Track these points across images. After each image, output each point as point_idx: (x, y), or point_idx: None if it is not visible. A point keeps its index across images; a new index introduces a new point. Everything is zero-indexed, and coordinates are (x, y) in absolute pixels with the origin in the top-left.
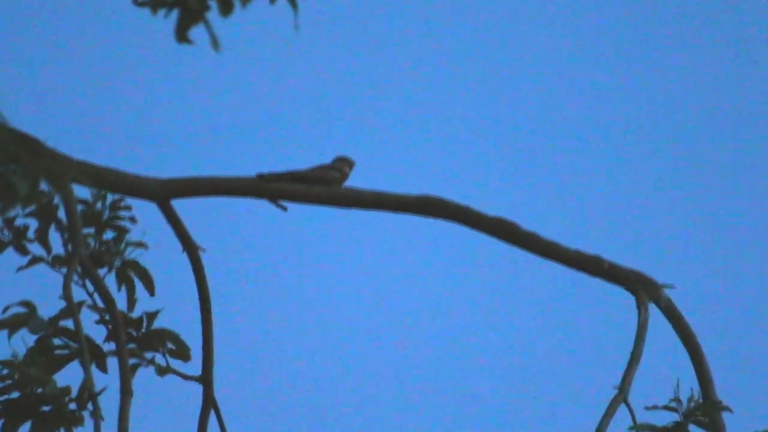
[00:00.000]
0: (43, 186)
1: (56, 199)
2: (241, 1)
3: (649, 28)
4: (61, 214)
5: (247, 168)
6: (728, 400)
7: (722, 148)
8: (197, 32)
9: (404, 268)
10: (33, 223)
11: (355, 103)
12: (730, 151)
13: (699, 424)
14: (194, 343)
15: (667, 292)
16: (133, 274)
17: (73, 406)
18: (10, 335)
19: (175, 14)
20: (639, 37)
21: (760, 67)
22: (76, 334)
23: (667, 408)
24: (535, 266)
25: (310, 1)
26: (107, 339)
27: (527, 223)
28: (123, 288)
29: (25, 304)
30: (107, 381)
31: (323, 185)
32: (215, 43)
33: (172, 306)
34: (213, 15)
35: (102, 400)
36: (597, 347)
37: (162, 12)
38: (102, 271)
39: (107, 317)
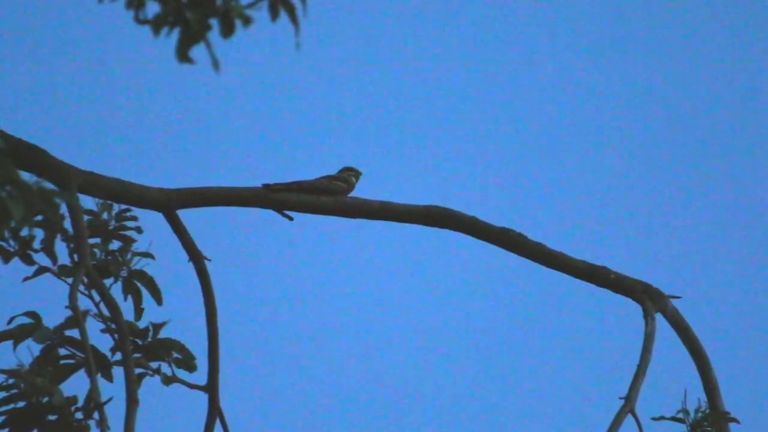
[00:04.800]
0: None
1: (62, 210)
2: (242, 22)
3: (663, 38)
4: (67, 224)
5: (253, 178)
6: (735, 410)
7: (729, 158)
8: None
9: (411, 279)
10: (39, 234)
11: (362, 114)
12: (737, 162)
13: None
14: (200, 352)
15: (673, 302)
16: (140, 284)
17: (79, 415)
18: (15, 345)
19: (176, 33)
20: (654, 47)
21: None
22: (82, 344)
23: (674, 419)
24: (541, 277)
25: (318, 11)
26: (114, 349)
27: (534, 233)
28: (129, 298)
29: (31, 314)
30: (113, 390)
31: (330, 195)
32: (215, 64)
33: (178, 315)
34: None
35: (108, 409)
36: (603, 358)
37: (164, 31)
38: (108, 281)
39: (113, 327)
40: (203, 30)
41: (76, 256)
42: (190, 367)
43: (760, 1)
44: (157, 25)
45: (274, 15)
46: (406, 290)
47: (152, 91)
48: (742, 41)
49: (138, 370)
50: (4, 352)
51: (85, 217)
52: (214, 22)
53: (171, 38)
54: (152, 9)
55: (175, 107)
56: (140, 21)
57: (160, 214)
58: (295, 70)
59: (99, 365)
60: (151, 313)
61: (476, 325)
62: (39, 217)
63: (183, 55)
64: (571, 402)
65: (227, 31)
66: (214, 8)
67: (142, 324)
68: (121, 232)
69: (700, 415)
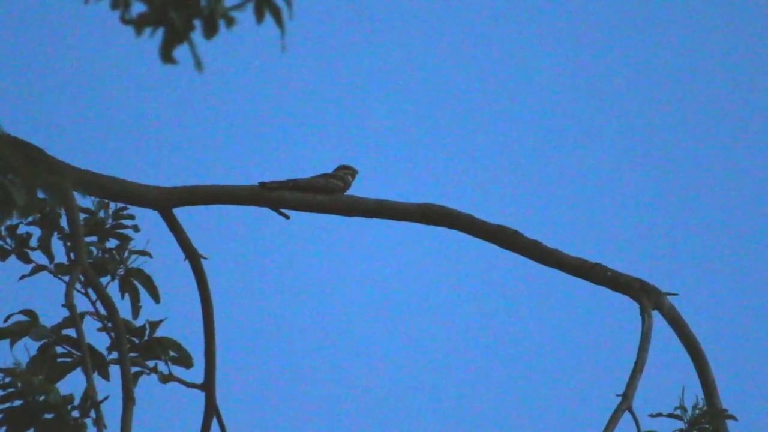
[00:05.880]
0: (43, 195)
1: (58, 208)
2: (226, 23)
3: (661, 35)
4: (64, 222)
5: (249, 176)
6: (732, 407)
7: (726, 155)
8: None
9: (407, 277)
10: (36, 232)
11: (358, 112)
12: (734, 159)
13: None
14: (197, 350)
15: (670, 299)
16: (137, 282)
17: (75, 413)
18: (12, 344)
19: (160, 33)
20: (652, 45)
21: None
22: (78, 343)
23: (671, 416)
24: (537, 274)
25: (314, 6)
26: (110, 347)
27: (529, 231)
28: (126, 296)
29: (27, 312)
30: (110, 389)
31: (326, 193)
32: (198, 65)
33: (175, 313)
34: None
35: (105, 407)
36: (600, 355)
37: (148, 31)
38: (105, 279)
39: (110, 325)
40: (187, 30)
41: (72, 255)
42: (187, 364)
43: (761, 1)
44: (139, 25)
45: (259, 18)
46: (402, 288)
47: (148, 90)
48: (741, 39)
49: (135, 369)
50: (0, 351)
51: (82, 216)
52: (197, 23)
53: (157, 38)
54: (139, 10)
55: (172, 106)
56: (126, 21)
57: (157, 213)
58: (292, 68)
59: (96, 364)
60: (148, 311)
61: (473, 322)
62: (34, 217)
63: (167, 55)
64: (568, 399)
65: (210, 31)
66: (198, 9)
67: (139, 322)
68: (118, 231)
69: (697, 412)
